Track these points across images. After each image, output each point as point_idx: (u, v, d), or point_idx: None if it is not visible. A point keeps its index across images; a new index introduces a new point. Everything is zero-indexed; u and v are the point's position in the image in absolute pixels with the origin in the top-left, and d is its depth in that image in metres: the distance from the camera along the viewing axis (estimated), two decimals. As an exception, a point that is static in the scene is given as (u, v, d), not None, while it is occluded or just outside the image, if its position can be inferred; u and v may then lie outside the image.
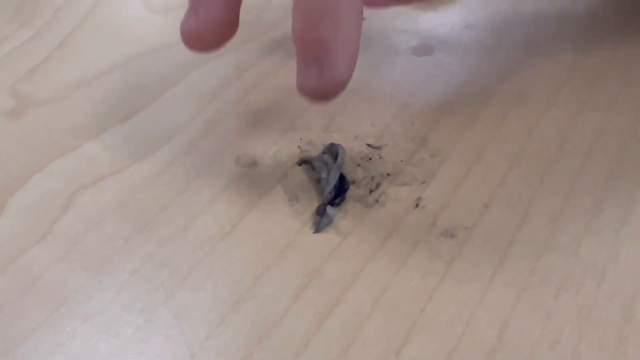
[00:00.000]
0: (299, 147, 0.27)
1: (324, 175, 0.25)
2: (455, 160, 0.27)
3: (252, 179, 0.26)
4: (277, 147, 0.27)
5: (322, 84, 0.22)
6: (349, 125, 0.28)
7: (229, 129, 0.28)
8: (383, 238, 0.24)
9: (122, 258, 0.23)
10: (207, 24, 0.24)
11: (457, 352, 0.21)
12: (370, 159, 0.27)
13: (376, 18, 0.34)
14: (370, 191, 0.25)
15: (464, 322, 0.21)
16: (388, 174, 0.26)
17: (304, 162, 0.26)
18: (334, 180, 0.25)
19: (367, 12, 0.35)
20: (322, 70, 0.22)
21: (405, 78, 0.31)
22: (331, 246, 0.23)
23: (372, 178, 0.26)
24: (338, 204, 0.25)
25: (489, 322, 0.21)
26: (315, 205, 0.25)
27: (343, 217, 0.24)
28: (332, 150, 0.26)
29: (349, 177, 0.26)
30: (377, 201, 0.25)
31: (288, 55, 0.32)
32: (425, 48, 0.32)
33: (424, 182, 0.26)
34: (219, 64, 0.31)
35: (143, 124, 0.28)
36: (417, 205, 0.25)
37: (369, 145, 0.27)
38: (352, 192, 0.25)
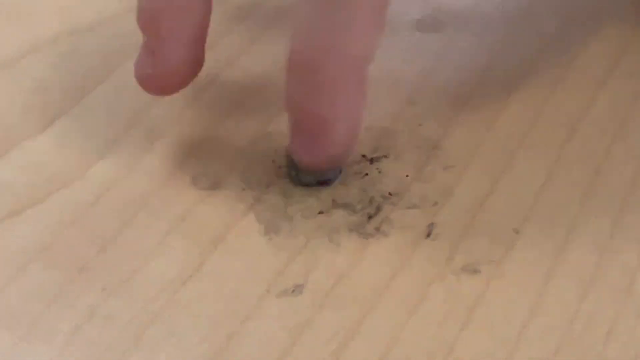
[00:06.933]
0: (273, 161, 0.30)
1: None
2: (475, 173, 0.29)
3: (216, 205, 0.28)
4: (245, 163, 0.29)
5: (317, 159, 0.28)
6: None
7: (180, 141, 0.30)
8: (388, 278, 0.26)
9: (56, 314, 0.25)
10: (168, 66, 0.27)
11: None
12: (366, 174, 0.29)
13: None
14: (369, 217, 0.28)
15: (493, 381, 0.24)
16: (390, 194, 0.29)
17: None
18: None
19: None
20: (316, 144, 0.27)
21: (407, 64, 0.33)
22: (323, 291, 0.26)
23: (371, 200, 0.28)
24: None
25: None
26: (301, 237, 0.27)
27: (336, 253, 0.27)
28: None
29: (339, 200, 0.28)
30: (378, 230, 0.28)
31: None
32: (432, 22, 0.35)
33: (436, 203, 0.28)
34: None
35: (65, 133, 0.30)
36: (429, 234, 0.28)
37: (364, 156, 0.30)
38: (345, 218, 0.28)
